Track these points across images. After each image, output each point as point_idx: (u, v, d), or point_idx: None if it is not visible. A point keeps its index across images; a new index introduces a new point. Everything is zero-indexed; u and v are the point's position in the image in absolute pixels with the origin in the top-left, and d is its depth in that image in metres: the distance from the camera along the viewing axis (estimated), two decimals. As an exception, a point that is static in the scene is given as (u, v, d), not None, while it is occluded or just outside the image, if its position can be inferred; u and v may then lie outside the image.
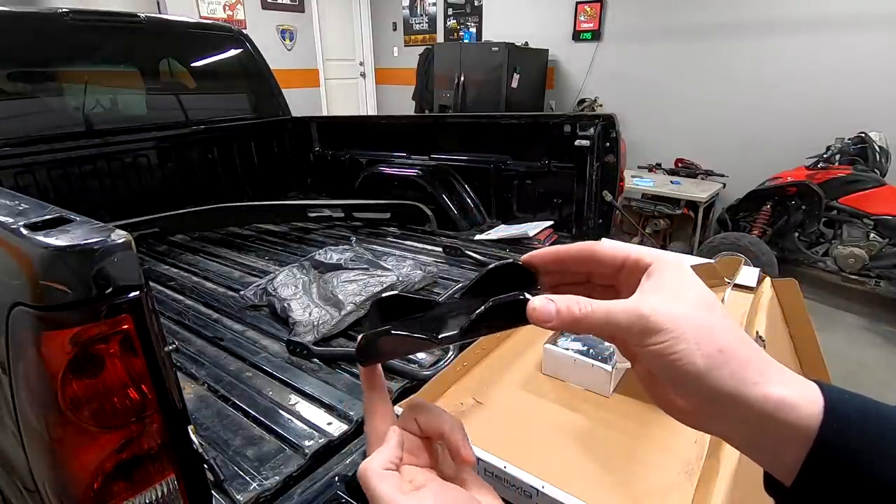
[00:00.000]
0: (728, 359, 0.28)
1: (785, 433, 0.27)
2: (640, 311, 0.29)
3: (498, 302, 0.33)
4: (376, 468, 0.32)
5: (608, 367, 0.94)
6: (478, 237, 2.00)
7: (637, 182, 4.05)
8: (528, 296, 0.32)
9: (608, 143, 1.83)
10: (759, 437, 0.28)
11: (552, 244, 1.91)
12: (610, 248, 0.33)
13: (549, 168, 2.01)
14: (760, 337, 1.05)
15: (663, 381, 0.30)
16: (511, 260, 0.36)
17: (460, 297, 0.37)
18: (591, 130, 1.84)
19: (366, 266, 1.51)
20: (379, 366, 0.38)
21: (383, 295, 0.38)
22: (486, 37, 5.63)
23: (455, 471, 0.36)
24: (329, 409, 0.98)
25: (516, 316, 0.32)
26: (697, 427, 0.32)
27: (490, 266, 0.36)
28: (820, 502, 0.27)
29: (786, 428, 0.27)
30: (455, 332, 0.34)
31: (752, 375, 0.28)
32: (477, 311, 0.33)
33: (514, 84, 4.67)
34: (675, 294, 0.30)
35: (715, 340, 0.28)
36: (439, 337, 0.35)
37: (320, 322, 1.23)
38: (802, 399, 0.28)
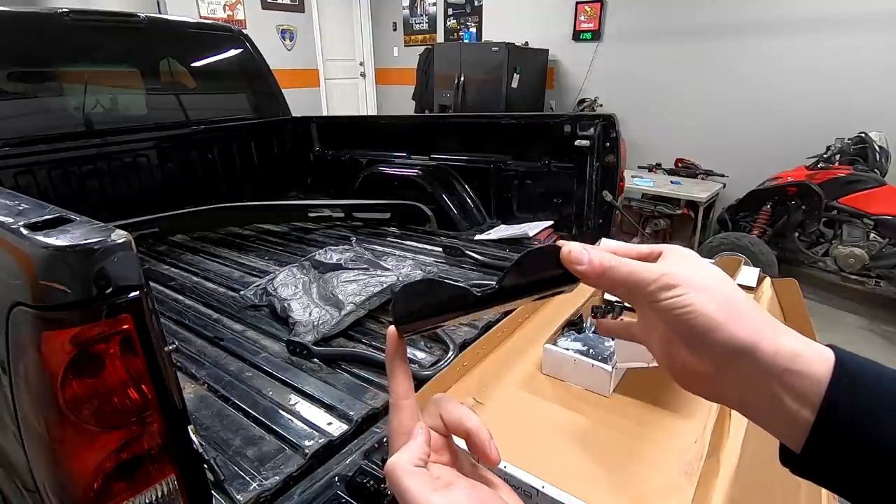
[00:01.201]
0: (742, 314, 0.30)
1: (800, 385, 0.29)
2: (661, 270, 0.32)
3: (532, 249, 0.34)
4: (406, 465, 0.31)
5: (608, 367, 0.94)
6: (478, 237, 2.00)
7: (637, 182, 4.05)
8: (561, 244, 0.35)
9: (608, 143, 1.83)
10: (775, 394, 0.30)
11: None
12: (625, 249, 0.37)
13: (549, 168, 2.01)
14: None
15: (680, 339, 0.32)
16: (552, 245, 0.37)
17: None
18: (591, 130, 1.84)
19: (366, 266, 1.51)
20: (406, 356, 0.37)
21: (416, 280, 0.38)
22: (486, 37, 5.63)
23: (472, 469, 0.36)
24: (329, 409, 0.98)
25: (551, 264, 0.34)
26: (713, 394, 0.33)
27: (529, 250, 0.37)
28: (830, 462, 0.28)
29: (801, 379, 0.29)
30: (494, 287, 0.34)
31: (766, 329, 0.30)
32: (514, 262, 0.34)
33: (514, 84, 4.67)
34: (688, 265, 0.33)
35: (729, 298, 0.31)
36: (478, 293, 0.34)
37: (320, 322, 1.23)
38: (814, 353, 0.29)
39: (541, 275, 0.35)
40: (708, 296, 0.31)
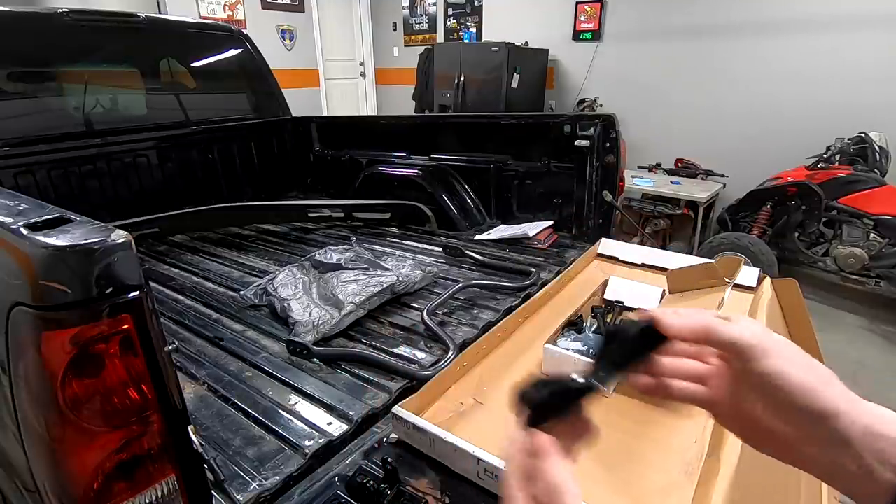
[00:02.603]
0: (829, 382, 0.34)
1: (883, 448, 0.31)
2: (762, 334, 0.36)
3: (627, 326, 0.39)
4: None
5: (608, 367, 0.94)
6: (478, 237, 2.00)
7: (637, 182, 4.05)
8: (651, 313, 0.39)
9: (608, 143, 1.83)
10: (859, 456, 0.32)
11: (552, 245, 1.91)
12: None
13: (549, 168, 2.01)
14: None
15: (770, 403, 0.36)
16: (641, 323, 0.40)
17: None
18: (591, 130, 1.84)
19: (366, 266, 1.51)
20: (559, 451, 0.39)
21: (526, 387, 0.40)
22: (486, 37, 5.63)
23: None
24: (329, 409, 0.98)
25: (648, 337, 0.39)
26: (792, 455, 0.36)
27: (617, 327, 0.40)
28: None
29: (883, 441, 0.31)
30: (599, 364, 0.39)
31: (849, 396, 0.34)
32: (611, 342, 0.39)
33: (514, 84, 4.67)
34: (769, 334, 0.37)
35: (819, 369, 0.35)
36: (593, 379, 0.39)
37: (320, 322, 1.23)
38: (894, 417, 0.32)
39: (631, 350, 0.39)
40: (804, 365, 0.35)
